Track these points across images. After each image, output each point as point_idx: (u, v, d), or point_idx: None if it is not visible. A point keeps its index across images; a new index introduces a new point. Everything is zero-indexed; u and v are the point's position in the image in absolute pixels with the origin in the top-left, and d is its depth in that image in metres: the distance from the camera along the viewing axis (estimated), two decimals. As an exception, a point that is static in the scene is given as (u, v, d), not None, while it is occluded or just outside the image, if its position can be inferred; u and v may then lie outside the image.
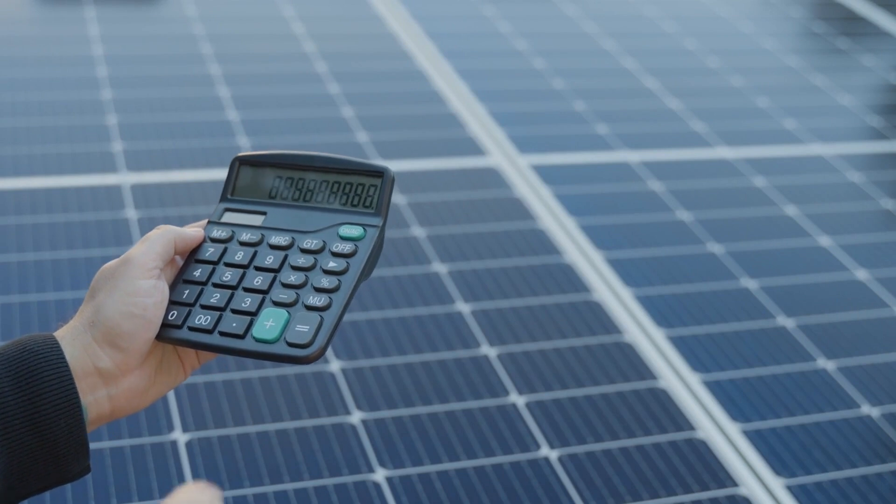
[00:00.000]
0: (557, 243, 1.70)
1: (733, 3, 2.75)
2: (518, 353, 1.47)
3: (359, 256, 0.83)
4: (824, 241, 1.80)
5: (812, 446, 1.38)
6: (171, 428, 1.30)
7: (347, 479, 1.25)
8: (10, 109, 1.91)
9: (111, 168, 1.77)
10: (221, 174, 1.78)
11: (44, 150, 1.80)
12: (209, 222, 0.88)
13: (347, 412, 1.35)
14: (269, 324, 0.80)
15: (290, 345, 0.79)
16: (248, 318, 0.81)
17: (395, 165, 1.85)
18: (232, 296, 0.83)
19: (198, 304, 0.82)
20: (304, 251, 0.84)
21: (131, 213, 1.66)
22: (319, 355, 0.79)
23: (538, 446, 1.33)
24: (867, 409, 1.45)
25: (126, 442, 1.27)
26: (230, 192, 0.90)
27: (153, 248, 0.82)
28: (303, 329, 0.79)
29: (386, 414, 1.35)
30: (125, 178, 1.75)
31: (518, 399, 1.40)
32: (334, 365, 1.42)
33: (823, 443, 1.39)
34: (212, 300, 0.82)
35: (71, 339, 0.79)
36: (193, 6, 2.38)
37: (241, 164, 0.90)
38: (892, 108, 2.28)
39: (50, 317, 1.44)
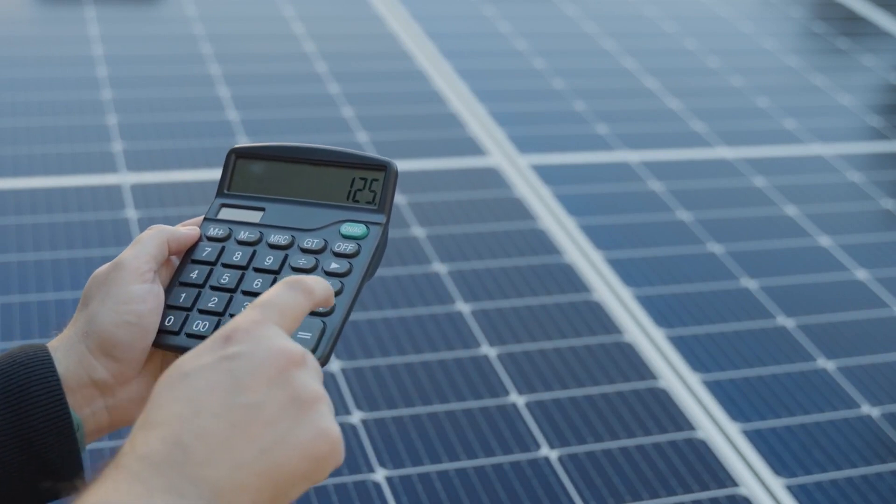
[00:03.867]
0: (557, 243, 1.70)
1: (733, 3, 2.75)
2: (518, 353, 1.47)
3: (362, 256, 0.80)
4: (824, 241, 1.80)
5: (812, 446, 1.38)
6: (171, 428, 1.30)
7: (347, 479, 1.25)
8: (10, 109, 1.91)
9: (111, 168, 1.77)
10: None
11: (44, 150, 1.80)
12: (205, 219, 0.84)
13: (347, 412, 1.35)
14: None
15: None
16: None
17: (395, 165, 1.85)
18: (231, 299, 0.79)
19: (195, 309, 0.79)
20: (305, 251, 0.81)
21: (131, 213, 1.66)
22: (323, 364, 0.75)
23: (538, 446, 1.33)
24: (867, 409, 1.45)
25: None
26: (226, 187, 0.86)
27: (145, 250, 0.78)
28: (305, 336, 0.75)
29: (386, 414, 1.35)
30: (125, 178, 1.75)
31: (518, 399, 1.40)
32: (334, 365, 1.42)
33: (823, 443, 1.39)
34: (210, 304, 0.79)
35: (65, 350, 0.76)
36: (193, 6, 2.38)
37: (237, 157, 0.86)
38: (892, 108, 2.28)
39: (50, 317, 1.44)
